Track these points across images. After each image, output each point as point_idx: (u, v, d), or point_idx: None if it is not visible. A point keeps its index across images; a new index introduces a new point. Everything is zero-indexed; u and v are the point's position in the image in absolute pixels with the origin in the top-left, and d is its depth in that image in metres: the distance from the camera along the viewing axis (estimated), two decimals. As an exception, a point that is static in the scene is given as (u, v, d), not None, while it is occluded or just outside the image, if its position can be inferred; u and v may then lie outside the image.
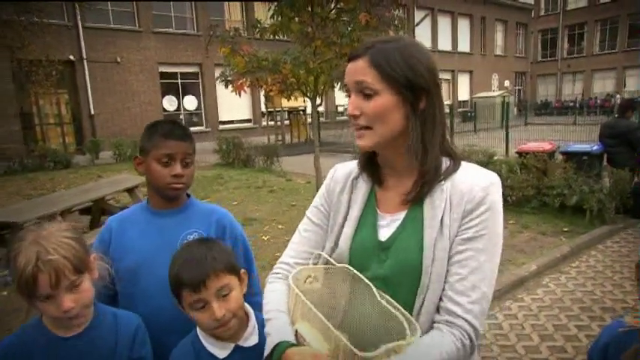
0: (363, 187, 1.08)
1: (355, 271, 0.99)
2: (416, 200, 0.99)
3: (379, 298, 0.92)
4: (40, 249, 1.02)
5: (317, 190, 1.20)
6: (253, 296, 1.44)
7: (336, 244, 1.06)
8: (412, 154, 0.96)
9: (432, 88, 0.95)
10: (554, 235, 5.25)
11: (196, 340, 1.17)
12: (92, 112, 15.60)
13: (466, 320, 0.91)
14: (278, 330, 0.96)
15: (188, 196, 1.47)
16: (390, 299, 0.93)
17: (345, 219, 1.07)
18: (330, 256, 1.06)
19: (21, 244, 1.04)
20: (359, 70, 0.95)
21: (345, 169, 1.14)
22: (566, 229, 5.39)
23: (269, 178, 9.66)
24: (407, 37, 1.02)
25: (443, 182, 0.97)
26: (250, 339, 1.18)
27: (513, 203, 6.29)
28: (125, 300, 1.36)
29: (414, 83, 0.93)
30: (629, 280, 4.13)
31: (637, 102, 6.90)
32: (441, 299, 0.94)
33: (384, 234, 1.01)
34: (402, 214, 1.01)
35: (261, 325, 1.17)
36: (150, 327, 1.26)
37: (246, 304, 1.23)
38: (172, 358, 1.19)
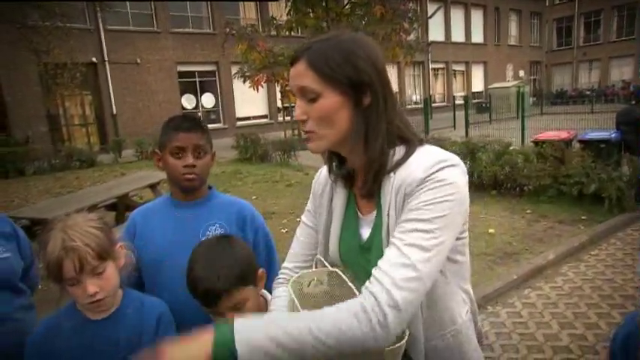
0: (341, 191, 1.06)
1: (341, 274, 0.98)
2: (371, 196, 0.97)
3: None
4: (65, 236, 1.09)
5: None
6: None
7: (326, 248, 1.09)
8: (354, 150, 0.95)
9: (376, 82, 0.92)
10: (573, 223, 5.21)
11: None
12: (114, 112, 16.05)
13: (382, 285, 0.81)
14: None
15: (210, 188, 1.49)
16: None
17: (328, 223, 1.08)
18: (324, 259, 1.08)
19: (50, 233, 1.11)
20: (299, 74, 0.92)
21: (326, 172, 1.12)
22: (584, 218, 5.34)
23: (286, 172, 9.76)
24: (347, 32, 0.97)
25: (392, 174, 0.93)
26: None
27: (530, 192, 6.28)
28: (149, 290, 1.39)
29: (356, 80, 0.90)
30: (650, 267, 4.12)
31: None
32: None
33: (365, 233, 1.01)
34: (373, 214, 0.99)
35: None
36: (173, 317, 1.30)
37: (265, 292, 1.26)
38: None
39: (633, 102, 6.54)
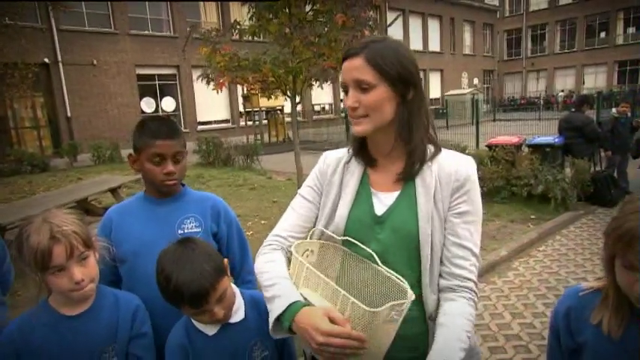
0: (356, 170, 1.19)
1: (357, 242, 1.10)
2: (408, 178, 1.13)
3: (379, 267, 1.05)
4: (52, 225, 1.11)
5: (299, 187, 1.32)
6: (248, 274, 1.55)
7: (329, 221, 1.17)
8: (400, 137, 1.11)
9: (417, 80, 1.11)
10: (523, 222, 5.57)
11: (188, 321, 1.23)
12: (69, 115, 15.35)
13: (472, 280, 1.06)
14: (287, 292, 1.03)
15: (182, 185, 1.52)
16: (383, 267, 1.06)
17: (337, 198, 1.18)
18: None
19: (31, 227, 1.11)
20: (357, 68, 1.07)
21: (336, 154, 1.26)
22: (533, 217, 5.72)
23: (249, 176, 9.76)
24: (391, 37, 1.16)
25: (430, 164, 1.12)
26: (237, 315, 1.24)
27: (484, 194, 6.62)
28: (126, 284, 1.41)
29: (404, 78, 1.08)
30: (590, 260, 4.46)
31: (591, 97, 7.37)
32: (443, 264, 1.08)
33: (379, 209, 1.13)
34: (395, 193, 1.14)
35: (249, 302, 1.29)
36: (149, 310, 1.31)
37: (232, 284, 1.28)
38: (168, 341, 1.26)
39: (573, 109, 7.07)
